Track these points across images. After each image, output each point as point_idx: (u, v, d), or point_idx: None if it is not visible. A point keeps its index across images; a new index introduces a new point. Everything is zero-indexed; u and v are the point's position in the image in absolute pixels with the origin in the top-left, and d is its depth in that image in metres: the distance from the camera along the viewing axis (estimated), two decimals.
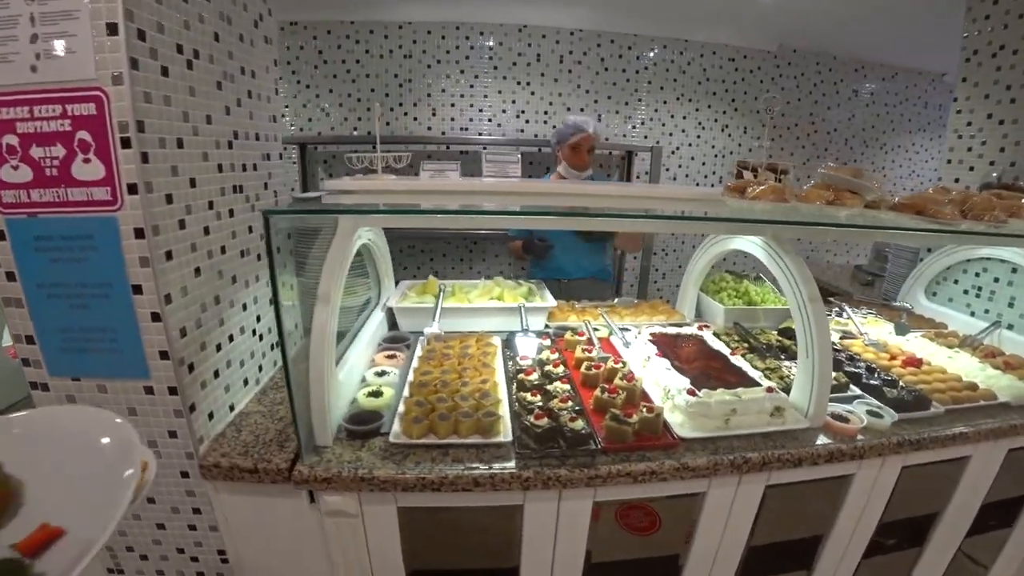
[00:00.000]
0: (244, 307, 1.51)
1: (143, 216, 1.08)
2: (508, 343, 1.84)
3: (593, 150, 2.48)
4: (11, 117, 1.05)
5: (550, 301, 2.09)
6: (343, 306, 2.03)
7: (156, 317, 1.15)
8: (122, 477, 0.67)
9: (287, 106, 3.51)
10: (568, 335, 1.87)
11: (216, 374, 1.35)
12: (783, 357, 1.80)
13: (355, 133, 3.56)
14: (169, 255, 1.16)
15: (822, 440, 1.37)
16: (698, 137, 3.71)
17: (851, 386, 1.61)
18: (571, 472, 1.19)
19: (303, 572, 1.35)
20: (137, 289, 1.13)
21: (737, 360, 1.71)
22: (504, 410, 1.38)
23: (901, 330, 2.11)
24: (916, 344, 2.01)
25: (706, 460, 1.26)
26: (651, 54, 3.52)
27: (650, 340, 1.81)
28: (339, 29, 3.37)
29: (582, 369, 1.59)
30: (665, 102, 3.62)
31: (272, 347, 1.71)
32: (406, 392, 1.46)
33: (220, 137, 1.35)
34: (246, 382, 1.52)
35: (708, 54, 3.57)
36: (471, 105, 3.52)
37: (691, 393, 1.41)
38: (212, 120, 1.31)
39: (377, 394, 1.46)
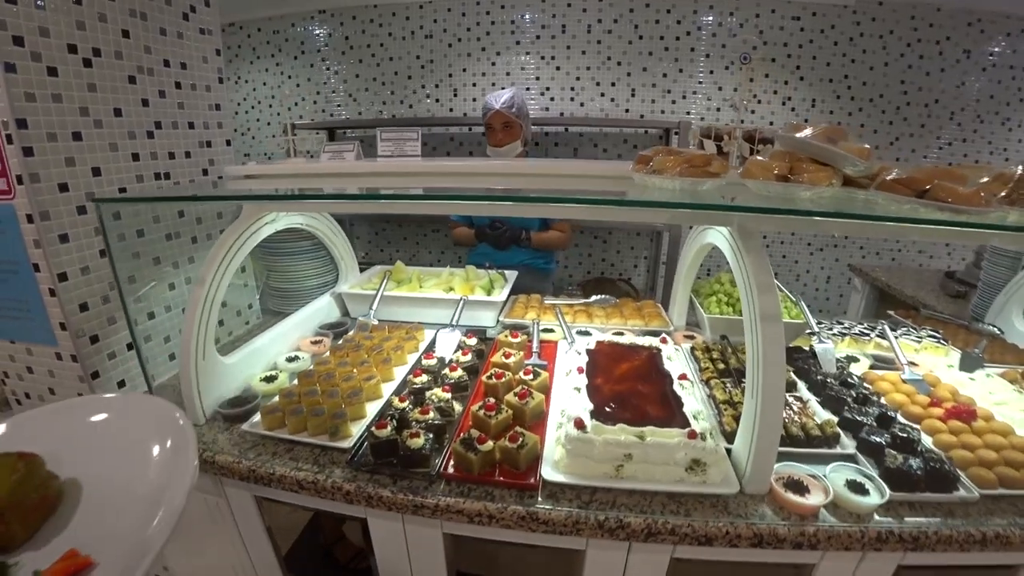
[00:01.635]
0: (171, 287, 1.68)
1: (31, 204, 1.26)
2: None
3: (510, 126, 2.40)
4: None
5: (499, 296, 2.03)
6: (286, 288, 2.19)
7: (52, 292, 1.34)
8: (183, 491, 0.65)
9: (318, 92, 3.78)
10: (503, 335, 1.79)
11: (129, 347, 1.54)
12: None
13: (381, 116, 3.73)
14: (64, 238, 1.34)
15: (759, 514, 1.06)
16: (752, 112, 3.30)
17: (843, 439, 1.24)
18: (394, 495, 1.11)
19: (192, 536, 1.51)
20: (36, 267, 1.33)
21: (683, 388, 1.36)
22: (368, 412, 1.39)
23: (969, 364, 1.61)
24: (983, 386, 1.51)
25: (566, 514, 1.05)
26: (695, 16, 3.19)
27: (589, 349, 1.61)
28: (363, 14, 3.53)
29: (483, 377, 1.48)
30: (712, 72, 3.27)
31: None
32: (294, 381, 1.53)
33: (136, 128, 1.51)
34: (172, 357, 1.71)
35: (766, 13, 3.14)
36: (493, 84, 3.49)
37: (578, 425, 1.15)
38: (123, 113, 1.47)
39: (271, 379, 1.55)
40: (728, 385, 1.43)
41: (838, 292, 3.70)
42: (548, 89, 3.45)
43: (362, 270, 2.27)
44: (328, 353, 1.69)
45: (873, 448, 1.20)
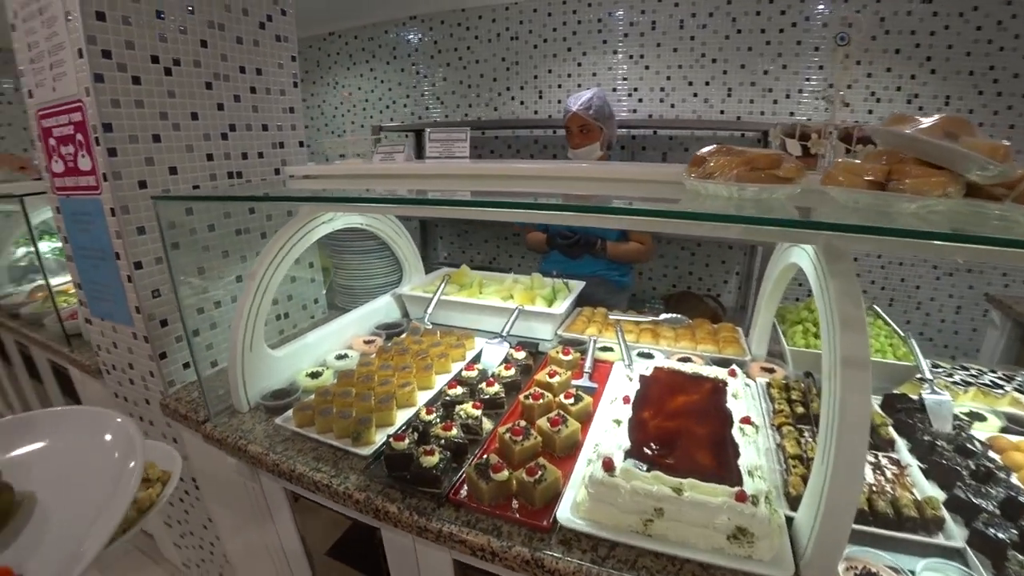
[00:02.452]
0: (238, 279, 1.80)
1: (113, 199, 1.40)
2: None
3: (587, 128, 2.30)
4: (50, 125, 1.47)
5: (558, 308, 1.90)
6: (351, 286, 2.25)
7: (130, 279, 1.49)
8: (127, 468, 0.70)
9: (408, 95, 3.91)
10: (554, 351, 1.68)
11: (196, 332, 1.67)
12: None
13: (466, 118, 3.77)
14: (141, 230, 1.48)
15: None
16: (870, 112, 2.85)
17: (949, 525, 0.96)
18: (400, 512, 1.07)
19: (235, 511, 1.59)
20: (117, 256, 1.48)
21: (744, 434, 1.15)
22: (398, 420, 1.36)
23: None
24: None
25: (575, 567, 0.93)
26: (802, 5, 2.82)
27: (644, 375, 1.43)
28: (451, 18, 3.59)
29: (521, 397, 1.39)
30: (822, 68, 2.88)
31: (278, 317, 1.99)
32: (333, 379, 1.56)
33: (211, 130, 1.63)
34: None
35: None
36: (578, 85, 3.37)
37: (607, 466, 1.01)
38: (199, 116, 1.59)
39: (316, 375, 1.60)
40: (806, 435, 1.20)
41: (971, 327, 3.09)
42: (636, 90, 3.27)
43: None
44: (375, 355, 1.70)
45: (991, 545, 0.90)
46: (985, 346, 2.85)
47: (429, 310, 1.93)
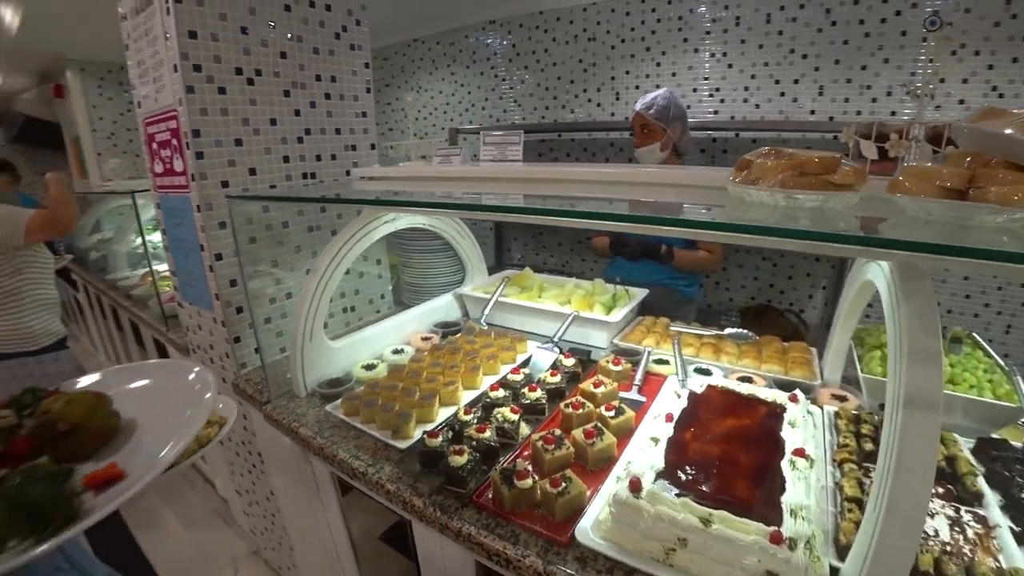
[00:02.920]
0: (308, 272, 1.93)
1: (199, 197, 1.57)
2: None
3: (649, 129, 2.24)
4: (153, 132, 1.67)
5: (614, 316, 1.84)
6: (417, 283, 2.33)
7: (211, 269, 1.65)
8: (203, 400, 0.92)
9: (487, 99, 3.98)
10: (604, 360, 1.64)
11: (267, 320, 1.81)
12: (936, 495, 1.02)
13: (543, 120, 3.78)
14: (223, 225, 1.64)
15: None
16: (968, 110, 2.46)
17: None
18: (425, 507, 1.11)
19: (291, 488, 1.72)
20: (201, 247, 1.65)
21: (794, 467, 1.05)
22: (438, 417, 1.40)
23: None
24: None
25: None
26: None
27: (694, 393, 1.36)
28: (529, 21, 3.60)
29: (562, 405, 1.37)
30: (931, 60, 2.53)
31: (344, 310, 2.12)
32: (386, 373, 1.63)
33: (287, 134, 1.77)
34: None
35: None
36: (656, 86, 3.24)
37: (634, 486, 0.96)
38: (277, 122, 1.74)
39: (371, 367, 1.69)
40: (872, 476, 1.03)
41: None
42: (718, 90, 3.09)
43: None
44: (427, 352, 1.75)
45: None
46: None
47: (486, 311, 1.96)
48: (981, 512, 0.98)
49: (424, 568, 1.30)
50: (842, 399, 1.44)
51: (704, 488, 0.99)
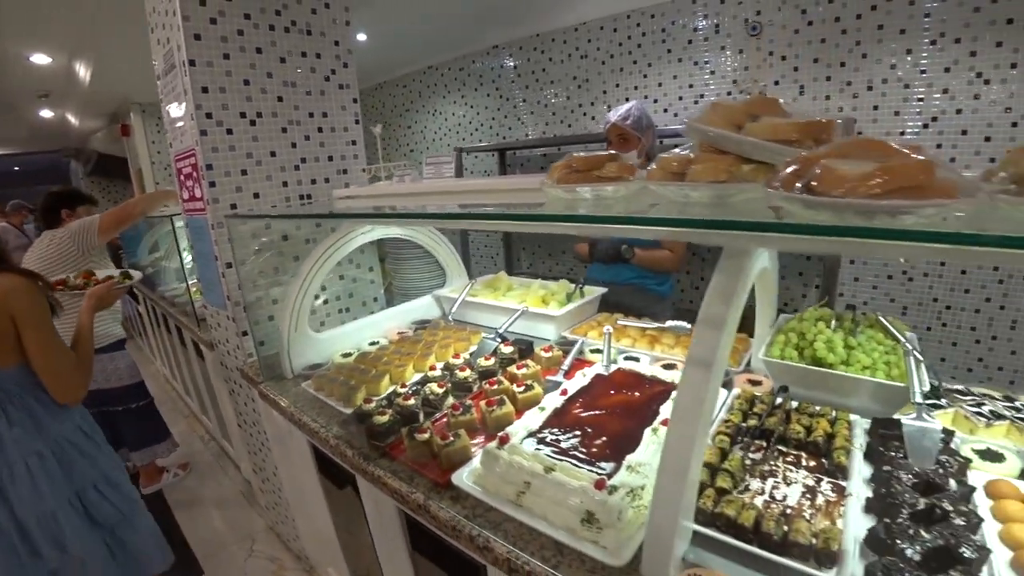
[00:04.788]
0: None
1: (212, 217, 2.05)
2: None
3: (625, 138, 2.47)
4: (180, 166, 2.18)
5: (558, 310, 2.15)
6: (405, 287, 2.73)
7: (223, 275, 2.12)
8: None
9: (493, 118, 4.40)
10: (539, 349, 1.91)
11: (271, 318, 2.27)
12: (798, 467, 1.16)
13: (543, 135, 4.13)
14: (230, 240, 2.11)
15: None
16: (976, 98, 2.54)
17: (849, 563, 0.90)
18: (353, 456, 1.44)
19: (284, 459, 2.13)
20: (215, 258, 2.13)
21: (654, 433, 1.24)
22: (383, 392, 1.76)
23: None
24: None
25: (450, 517, 1.16)
26: None
27: (600, 374, 1.62)
28: (528, 43, 3.99)
29: (486, 383, 1.67)
30: (909, 52, 2.65)
31: (340, 311, 2.55)
32: (345, 358, 2.02)
33: (285, 164, 2.24)
34: None
35: None
36: (645, 96, 3.52)
37: (502, 440, 1.22)
38: (276, 154, 2.20)
39: (348, 355, 2.09)
40: (736, 448, 1.21)
41: None
42: (702, 96, 3.34)
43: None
44: (395, 342, 2.13)
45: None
46: None
47: (453, 308, 2.33)
48: (843, 483, 1.10)
49: (372, 523, 1.66)
50: (757, 383, 1.63)
51: (564, 446, 1.23)
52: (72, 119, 6.02)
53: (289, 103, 2.21)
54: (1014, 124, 2.64)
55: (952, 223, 0.64)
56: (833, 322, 1.67)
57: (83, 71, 4.12)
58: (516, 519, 1.11)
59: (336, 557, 2.07)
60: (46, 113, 5.71)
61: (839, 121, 2.65)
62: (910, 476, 1.07)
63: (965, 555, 0.85)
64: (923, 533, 0.91)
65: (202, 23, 1.92)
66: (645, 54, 3.49)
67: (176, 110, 2.09)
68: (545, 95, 4.05)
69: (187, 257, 3.00)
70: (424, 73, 4.85)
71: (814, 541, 0.92)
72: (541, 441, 1.26)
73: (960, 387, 1.45)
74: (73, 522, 1.71)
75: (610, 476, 1.09)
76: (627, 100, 3.51)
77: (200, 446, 3.79)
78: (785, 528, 0.96)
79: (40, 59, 3.99)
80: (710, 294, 0.94)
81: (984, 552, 0.87)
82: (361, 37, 3.88)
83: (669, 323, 2.04)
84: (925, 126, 2.75)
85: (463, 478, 1.25)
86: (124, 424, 2.95)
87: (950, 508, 0.97)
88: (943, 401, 1.38)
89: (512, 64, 4.18)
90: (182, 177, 2.21)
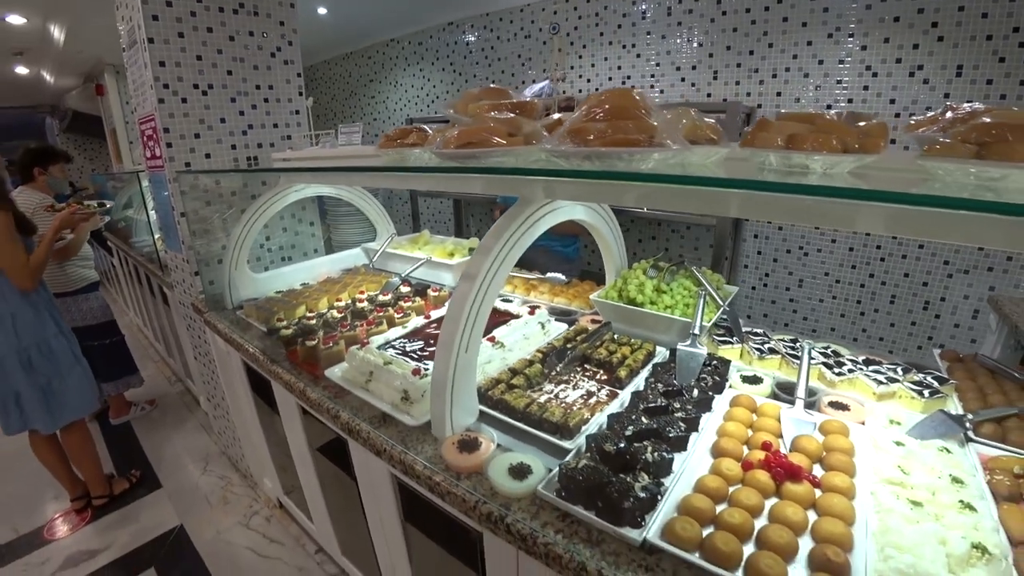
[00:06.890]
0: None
1: (169, 173, 2.55)
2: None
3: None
4: (143, 129, 2.68)
5: (455, 260, 2.66)
6: (341, 240, 3.25)
7: (178, 223, 2.64)
8: None
9: (447, 91, 4.87)
10: (431, 291, 2.48)
11: (219, 261, 2.78)
12: (592, 379, 1.60)
13: None
14: (184, 193, 2.62)
15: (419, 450, 1.35)
16: (865, 88, 3.01)
17: (584, 433, 1.29)
18: (261, 358, 1.97)
19: (227, 382, 2.68)
20: (172, 208, 2.64)
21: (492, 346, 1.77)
22: (297, 316, 2.30)
23: (934, 428, 1.28)
24: (935, 464, 1.17)
25: (317, 397, 1.65)
26: None
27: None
28: (479, 22, 4.43)
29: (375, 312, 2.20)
30: (810, 43, 3.11)
31: (283, 259, 3.07)
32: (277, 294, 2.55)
33: (234, 129, 2.73)
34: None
35: None
36: (580, 76, 3.99)
37: (363, 344, 1.74)
38: (226, 120, 2.69)
39: (280, 292, 2.62)
40: (535, 362, 1.65)
41: (985, 332, 3.07)
42: (629, 78, 3.81)
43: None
44: (320, 283, 2.67)
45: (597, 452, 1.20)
46: (984, 351, 2.84)
47: (374, 259, 2.85)
48: (618, 391, 1.51)
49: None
50: (598, 323, 2.02)
51: (406, 349, 1.80)
52: (47, 76, 6.42)
53: (238, 76, 2.70)
54: (896, 115, 3.11)
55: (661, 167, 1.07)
56: (651, 271, 2.15)
57: (57, 32, 4.54)
58: (360, 397, 1.60)
59: (269, 468, 2.64)
60: (21, 70, 6.10)
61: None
62: (662, 385, 1.48)
63: (670, 434, 1.25)
64: (643, 419, 1.31)
65: (159, 5, 2.38)
66: (580, 36, 3.95)
67: (138, 79, 2.58)
68: (493, 72, 4.51)
69: (154, 214, 3.51)
70: (387, 46, 5.29)
71: (560, 420, 1.33)
72: (391, 346, 1.83)
73: (760, 330, 1.85)
74: (16, 368, 2.56)
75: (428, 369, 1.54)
76: (577, 78, 4.01)
77: (167, 387, 4.35)
78: (542, 412, 1.37)
79: (15, 19, 4.37)
80: (490, 231, 1.37)
81: (685, 434, 1.26)
82: (322, 11, 4.32)
83: (548, 275, 2.55)
84: (830, 108, 3.24)
85: (334, 372, 1.76)
86: (98, 358, 3.47)
87: (678, 406, 1.36)
88: (734, 339, 1.76)
89: (466, 40, 4.63)
90: (144, 138, 2.70)
